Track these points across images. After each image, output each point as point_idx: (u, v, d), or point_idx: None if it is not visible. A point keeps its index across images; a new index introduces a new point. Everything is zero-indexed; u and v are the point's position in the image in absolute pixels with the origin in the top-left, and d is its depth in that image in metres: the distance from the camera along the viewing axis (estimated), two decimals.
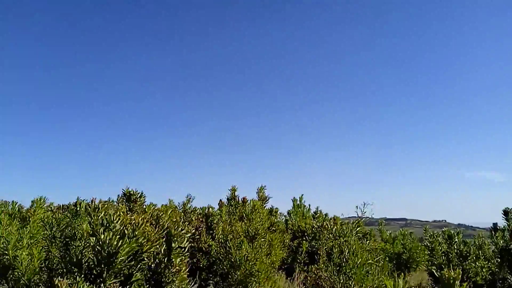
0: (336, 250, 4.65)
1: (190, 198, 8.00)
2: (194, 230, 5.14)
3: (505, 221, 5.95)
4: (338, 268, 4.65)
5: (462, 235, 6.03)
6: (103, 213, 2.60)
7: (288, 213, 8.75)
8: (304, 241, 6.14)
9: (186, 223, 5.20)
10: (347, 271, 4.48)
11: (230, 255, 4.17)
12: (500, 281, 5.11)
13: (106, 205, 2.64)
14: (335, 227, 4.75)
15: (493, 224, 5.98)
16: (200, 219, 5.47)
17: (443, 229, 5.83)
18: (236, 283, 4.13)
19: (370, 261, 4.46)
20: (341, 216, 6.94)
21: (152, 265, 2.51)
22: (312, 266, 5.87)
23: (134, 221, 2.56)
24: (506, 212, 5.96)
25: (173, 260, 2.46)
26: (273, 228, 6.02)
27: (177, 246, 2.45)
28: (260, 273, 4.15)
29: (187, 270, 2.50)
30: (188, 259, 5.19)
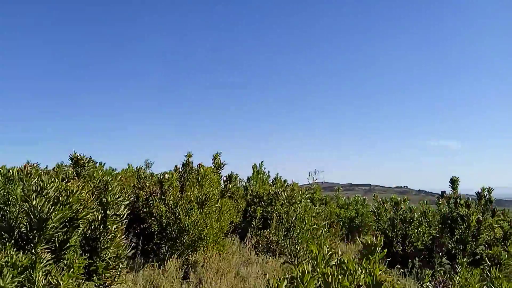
0: (284, 215, 4.80)
1: (148, 164, 7.92)
2: (146, 196, 5.14)
3: (451, 189, 6.28)
4: (286, 232, 4.82)
5: (424, 202, 6.33)
6: (36, 179, 2.55)
7: (248, 180, 8.88)
8: (258, 207, 6.28)
9: (136, 189, 5.19)
10: (294, 235, 4.65)
11: (179, 221, 4.23)
12: (439, 246, 5.45)
13: (39, 171, 2.59)
14: (285, 193, 4.86)
15: (441, 192, 6.30)
16: (153, 185, 5.47)
17: (391, 196, 6.10)
18: (184, 247, 4.21)
19: (315, 226, 4.64)
20: (300, 182, 7.03)
21: (88, 232, 2.51)
22: (265, 231, 6.05)
23: (69, 188, 2.53)
24: (452, 181, 6.28)
25: (109, 227, 2.47)
26: (228, 194, 6.11)
27: (112, 213, 2.45)
28: (208, 238, 4.24)
29: (123, 236, 2.52)
30: (136, 224, 5.21)
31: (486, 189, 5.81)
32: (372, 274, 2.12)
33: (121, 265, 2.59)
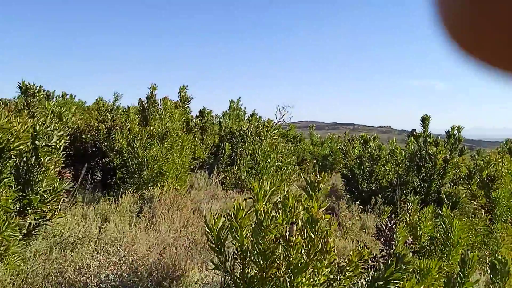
0: (250, 152, 4.72)
1: (117, 96, 7.63)
2: (107, 129, 4.96)
3: (421, 127, 6.23)
4: (250, 169, 4.77)
5: (394, 140, 6.31)
6: None
7: (222, 115, 8.70)
8: (227, 143, 6.18)
9: (98, 122, 4.99)
10: (258, 171, 4.61)
11: (137, 155, 4.10)
12: (404, 184, 5.50)
13: None
14: (250, 130, 4.74)
15: (411, 130, 6.25)
16: (118, 118, 5.27)
17: (361, 134, 6.04)
18: (143, 182, 4.12)
19: (279, 163, 4.59)
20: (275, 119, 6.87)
21: (20, 164, 2.36)
22: (233, 167, 6.00)
23: None
24: (423, 119, 6.22)
25: (41, 158, 2.32)
26: (195, 129, 5.96)
27: (43, 144, 2.29)
28: (168, 173, 4.15)
29: (56, 169, 2.38)
30: (99, 159, 5.07)
31: (456, 128, 5.77)
32: (309, 212, 2.04)
33: (60, 199, 2.48)
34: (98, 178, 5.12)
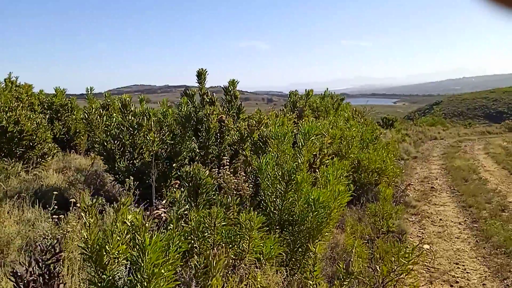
0: None
1: None
2: None
3: (197, 83, 5.18)
4: None
5: (165, 100, 5.04)
6: None
7: None
8: None
9: None
10: None
11: None
12: (177, 155, 4.37)
13: None
14: None
15: (184, 89, 5.12)
16: None
17: (120, 96, 4.64)
18: None
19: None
20: None
21: None
22: None
23: None
24: (199, 74, 5.14)
25: None
26: None
27: None
28: None
29: None
30: None
31: (231, 83, 4.87)
32: None
33: None
34: None
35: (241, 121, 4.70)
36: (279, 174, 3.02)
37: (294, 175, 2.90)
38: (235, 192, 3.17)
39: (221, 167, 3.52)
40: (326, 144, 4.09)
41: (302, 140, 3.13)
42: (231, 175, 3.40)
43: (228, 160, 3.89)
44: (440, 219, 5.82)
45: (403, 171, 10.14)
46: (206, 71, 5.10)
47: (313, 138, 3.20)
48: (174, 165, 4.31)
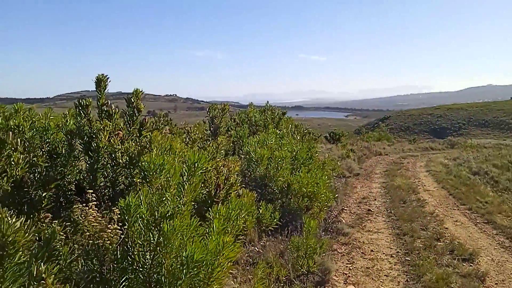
0: None
1: None
2: None
3: (97, 92, 4.37)
4: None
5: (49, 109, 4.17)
6: None
7: None
8: None
9: None
10: None
11: None
12: (48, 183, 3.53)
13: None
14: None
15: (79, 99, 4.29)
16: None
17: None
18: None
19: None
20: None
21: None
22: None
23: None
24: (99, 81, 4.33)
25: None
26: None
27: None
28: None
29: None
30: None
31: (135, 93, 4.10)
32: None
33: None
34: None
35: (142, 139, 3.94)
36: (152, 219, 2.31)
37: (165, 222, 2.20)
38: (92, 241, 2.42)
39: (88, 202, 2.75)
40: (233, 172, 3.43)
41: (186, 174, 2.44)
42: (99, 214, 2.64)
43: (105, 191, 3.11)
44: (372, 250, 5.33)
45: (344, 189, 9.76)
46: (107, 78, 4.31)
47: (203, 170, 2.52)
48: (45, 194, 3.46)
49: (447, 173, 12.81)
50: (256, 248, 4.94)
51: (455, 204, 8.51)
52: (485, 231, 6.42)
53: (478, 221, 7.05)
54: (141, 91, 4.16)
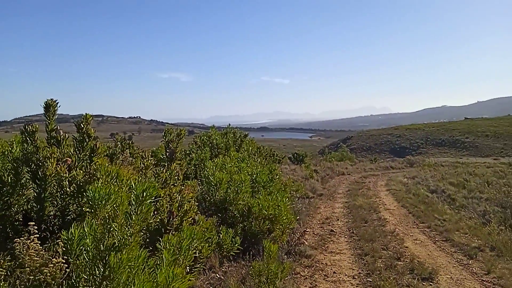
0: None
1: None
2: None
3: (46, 117, 4.17)
4: None
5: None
6: None
7: None
8: None
9: None
10: None
11: None
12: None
13: None
14: None
15: (25, 122, 4.08)
16: None
17: None
18: None
19: None
20: None
21: None
22: None
23: None
24: (48, 106, 4.14)
25: None
26: None
27: None
28: None
29: None
30: None
31: (84, 119, 3.95)
32: None
33: None
34: None
35: (92, 166, 3.77)
36: (97, 251, 2.17)
37: (111, 254, 2.07)
38: (32, 277, 2.24)
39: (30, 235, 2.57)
40: (187, 198, 3.33)
41: (134, 203, 2.33)
42: (41, 248, 2.47)
43: (55, 221, 2.93)
44: (334, 272, 5.31)
45: (308, 210, 9.78)
46: (57, 103, 4.15)
47: (153, 199, 2.42)
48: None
49: (407, 192, 13.16)
50: (217, 274, 4.79)
51: (414, 222, 8.70)
52: (443, 249, 6.57)
53: (436, 239, 7.21)
54: (91, 116, 4.02)
